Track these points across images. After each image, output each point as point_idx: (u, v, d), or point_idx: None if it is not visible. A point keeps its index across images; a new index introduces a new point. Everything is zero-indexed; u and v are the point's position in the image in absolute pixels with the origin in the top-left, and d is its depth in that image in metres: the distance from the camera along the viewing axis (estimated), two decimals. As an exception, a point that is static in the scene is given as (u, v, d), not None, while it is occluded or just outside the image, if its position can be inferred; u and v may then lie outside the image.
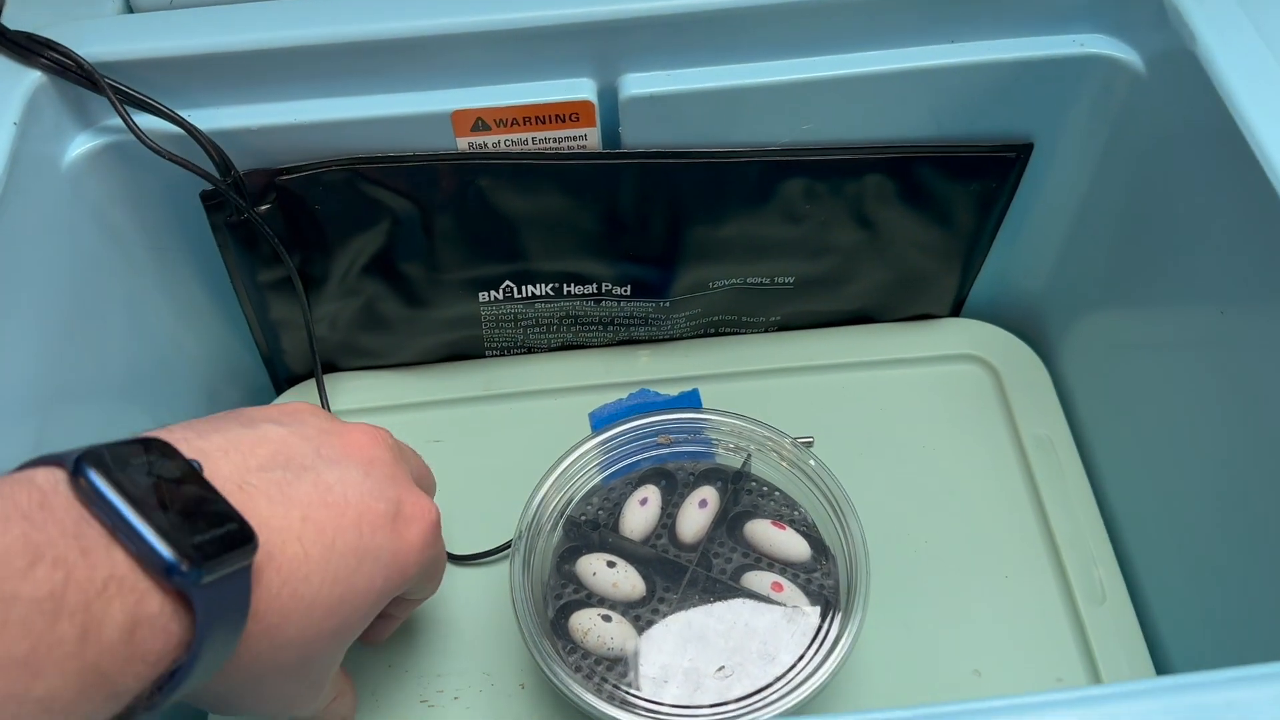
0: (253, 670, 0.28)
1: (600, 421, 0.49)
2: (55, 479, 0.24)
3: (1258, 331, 0.36)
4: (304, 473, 0.30)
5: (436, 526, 0.34)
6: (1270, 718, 0.24)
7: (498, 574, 0.45)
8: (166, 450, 0.27)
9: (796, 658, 0.38)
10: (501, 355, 0.51)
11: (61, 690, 0.22)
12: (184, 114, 0.38)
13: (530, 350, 0.51)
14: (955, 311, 0.53)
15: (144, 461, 0.26)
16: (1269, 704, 0.24)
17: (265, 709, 0.32)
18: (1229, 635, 0.40)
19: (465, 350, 0.51)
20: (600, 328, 0.50)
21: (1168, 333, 0.42)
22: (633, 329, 0.51)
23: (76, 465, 0.24)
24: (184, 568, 0.24)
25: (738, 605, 0.40)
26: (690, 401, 0.50)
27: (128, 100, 0.38)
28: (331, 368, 0.51)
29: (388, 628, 0.40)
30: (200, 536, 0.25)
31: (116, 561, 0.23)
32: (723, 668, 0.38)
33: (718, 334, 0.52)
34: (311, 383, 0.50)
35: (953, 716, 0.24)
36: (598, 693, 0.37)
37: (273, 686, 0.30)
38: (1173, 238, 0.41)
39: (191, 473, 0.27)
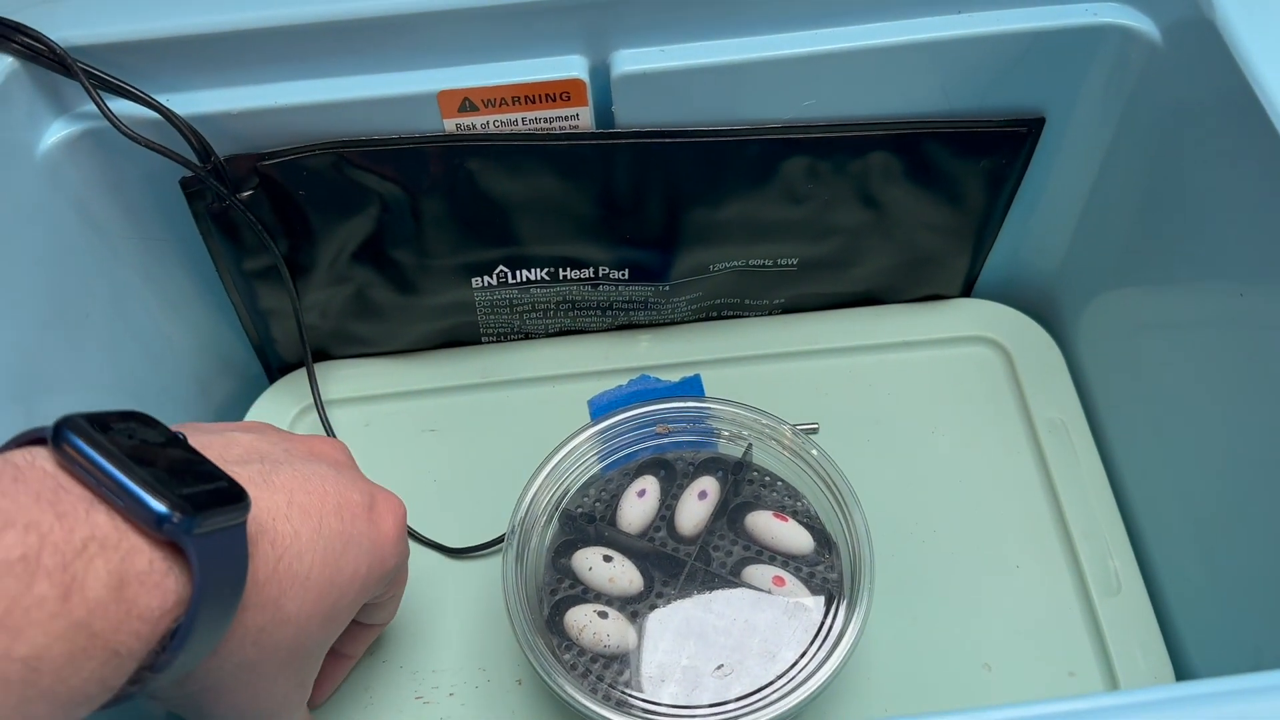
0: (251, 652, 0.29)
1: (599, 409, 0.48)
2: (33, 455, 0.24)
3: (1275, 312, 0.35)
4: (280, 465, 0.31)
5: (405, 521, 0.35)
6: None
7: (494, 567, 0.44)
8: (147, 420, 0.27)
9: (798, 655, 0.37)
10: (498, 341, 0.50)
11: (47, 649, 0.22)
12: (161, 98, 0.37)
13: (527, 336, 0.50)
14: (966, 292, 0.51)
15: (125, 427, 0.26)
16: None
17: (252, 711, 0.31)
18: (1248, 628, 0.38)
19: (461, 337, 0.50)
20: (599, 312, 0.49)
21: (1186, 313, 0.41)
22: (632, 313, 0.49)
23: (56, 432, 0.24)
24: (175, 518, 0.24)
25: (738, 600, 0.38)
26: (692, 387, 0.49)
27: (102, 85, 0.37)
28: (324, 356, 0.50)
29: (340, 672, 0.40)
30: (189, 489, 0.25)
31: (97, 523, 0.24)
32: (722, 666, 0.37)
33: (720, 317, 0.51)
34: (304, 371, 0.49)
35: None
36: (593, 692, 0.36)
37: (265, 680, 0.31)
38: (1191, 215, 0.39)
39: (175, 439, 0.27)
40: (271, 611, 0.29)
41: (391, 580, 0.35)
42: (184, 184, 0.40)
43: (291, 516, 0.30)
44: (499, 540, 0.44)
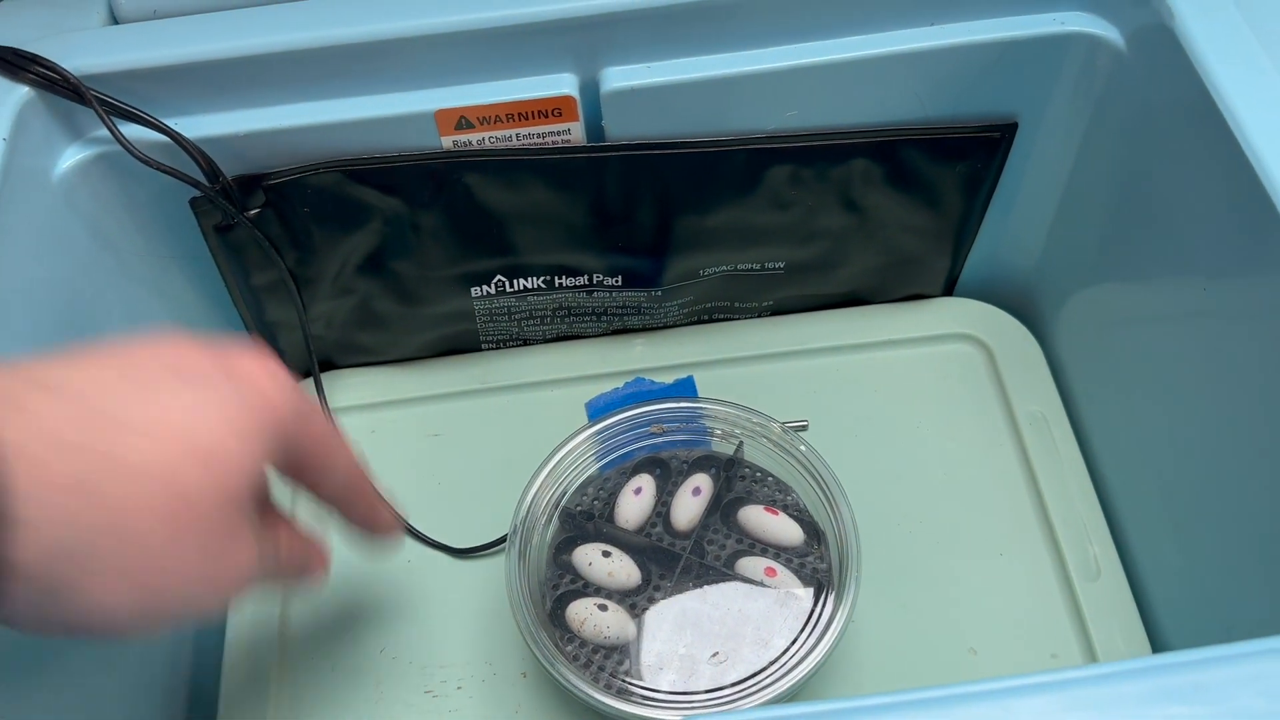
0: (89, 511, 0.25)
1: (596, 411, 0.50)
2: None
3: (1239, 305, 0.37)
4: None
5: (280, 368, 0.30)
6: (1239, 698, 0.24)
7: (499, 565, 0.46)
8: None
9: (790, 642, 0.39)
10: (497, 348, 0.52)
11: None
12: (170, 123, 0.39)
13: (525, 342, 0.52)
14: (948, 291, 0.53)
15: None
16: (1237, 685, 0.24)
17: (151, 588, 0.27)
18: (1223, 609, 0.40)
19: (461, 344, 0.52)
20: (594, 318, 0.51)
21: (1156, 308, 0.43)
22: (626, 318, 0.51)
23: None
24: None
25: (731, 591, 0.40)
26: (685, 389, 0.50)
27: (114, 111, 0.39)
28: (329, 366, 0.51)
29: (369, 509, 0.36)
30: None
31: None
32: (717, 654, 0.39)
33: (711, 320, 0.52)
34: (310, 381, 0.50)
35: (923, 704, 0.24)
36: (594, 682, 0.38)
37: (150, 548, 0.26)
38: (1158, 213, 0.41)
39: None
40: (91, 459, 0.25)
41: (302, 433, 0.31)
42: (194, 204, 0.42)
43: (84, 366, 0.26)
44: (502, 540, 0.46)
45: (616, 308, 0.50)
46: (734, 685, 0.38)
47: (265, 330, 0.48)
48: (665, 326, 0.52)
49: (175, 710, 0.44)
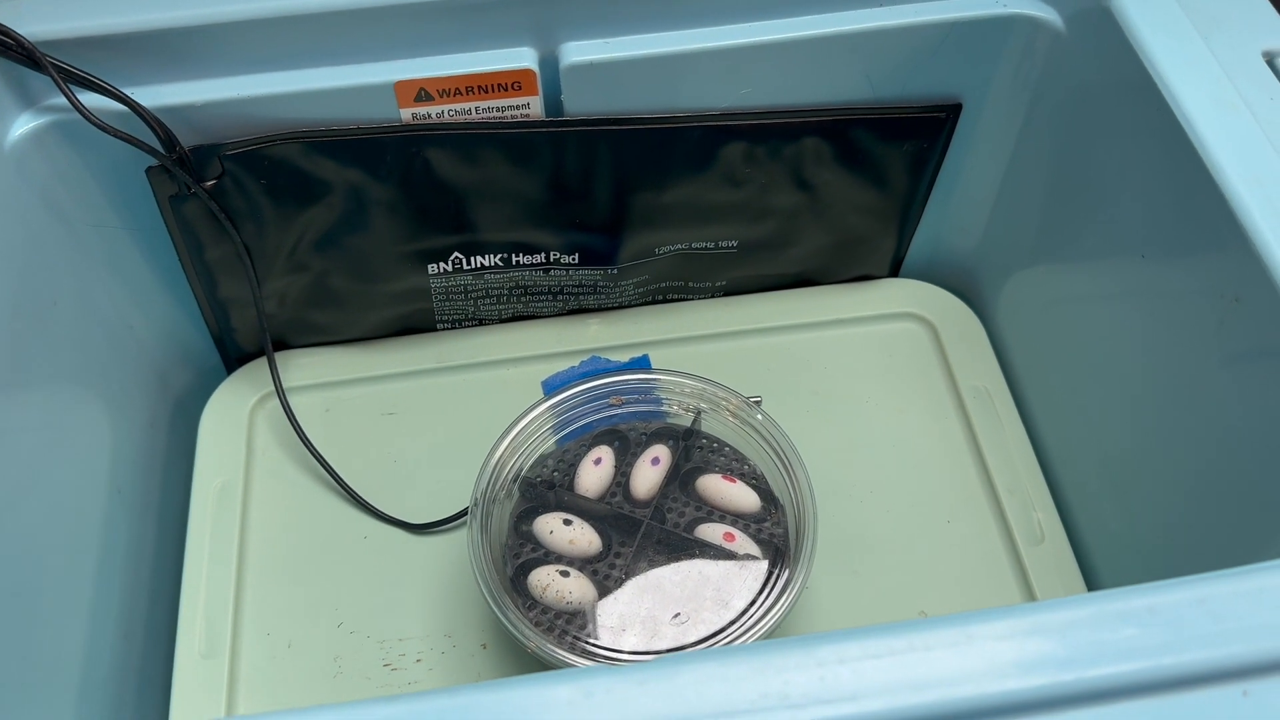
0: None
1: (552, 388, 0.50)
2: None
3: (1172, 280, 0.38)
4: None
5: None
6: (1189, 620, 0.25)
7: (457, 540, 0.46)
8: None
9: (749, 603, 0.40)
10: (453, 328, 0.52)
11: None
12: (127, 91, 0.39)
13: (481, 322, 0.52)
14: (894, 272, 0.54)
15: None
16: (1186, 607, 0.26)
17: None
18: (1159, 567, 0.41)
19: (416, 324, 0.52)
20: (550, 297, 0.51)
21: (1094, 284, 0.44)
22: (582, 298, 0.52)
23: None
24: None
25: (692, 556, 0.41)
26: (640, 367, 0.51)
27: (70, 78, 0.38)
28: (282, 345, 0.51)
29: None
30: None
31: None
32: (678, 615, 0.39)
33: (665, 300, 0.53)
34: (262, 360, 0.50)
35: (891, 630, 0.25)
36: (558, 643, 0.38)
37: None
38: (1097, 191, 0.43)
39: None
40: None
41: None
42: (149, 173, 0.41)
43: None
44: (459, 515, 0.46)
45: (573, 287, 0.51)
46: (695, 644, 0.39)
47: (218, 308, 0.48)
48: (620, 306, 0.53)
49: (126, 692, 0.44)
